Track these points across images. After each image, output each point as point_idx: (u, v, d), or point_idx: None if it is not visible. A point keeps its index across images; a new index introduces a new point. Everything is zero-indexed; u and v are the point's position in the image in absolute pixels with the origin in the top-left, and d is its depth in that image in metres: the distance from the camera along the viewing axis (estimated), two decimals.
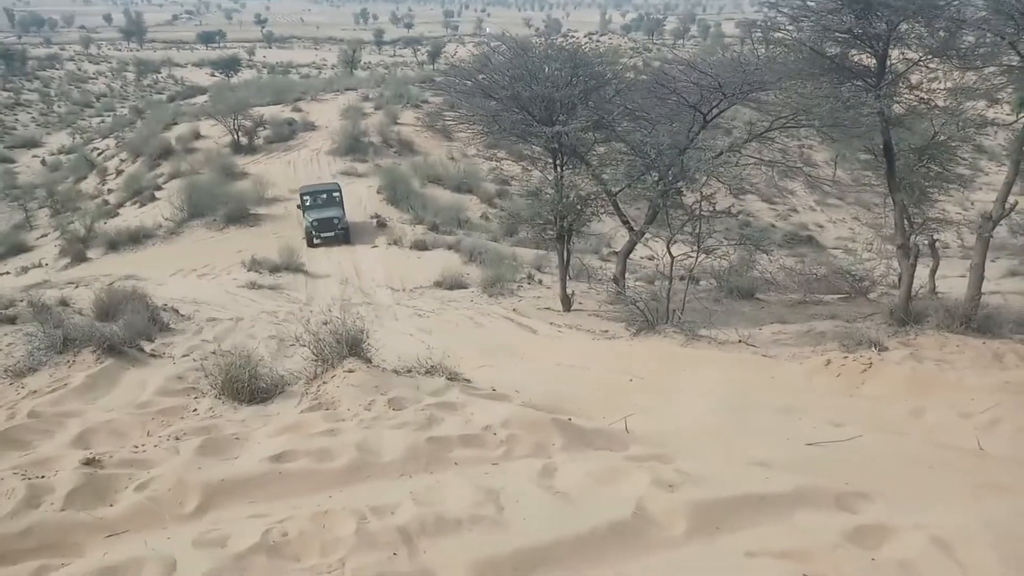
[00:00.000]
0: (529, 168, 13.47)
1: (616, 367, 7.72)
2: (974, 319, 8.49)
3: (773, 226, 25.33)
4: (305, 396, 5.58)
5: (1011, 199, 9.45)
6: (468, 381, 6.33)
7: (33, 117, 55.32)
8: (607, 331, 10.40)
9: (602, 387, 6.77)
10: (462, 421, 4.97)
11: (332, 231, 20.66)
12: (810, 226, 26.48)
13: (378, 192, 23.29)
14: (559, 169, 12.39)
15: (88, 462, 4.32)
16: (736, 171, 11.98)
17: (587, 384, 7.06)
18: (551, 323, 11.16)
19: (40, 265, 20.42)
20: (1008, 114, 10.57)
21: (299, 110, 33.55)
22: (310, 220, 20.94)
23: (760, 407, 6.20)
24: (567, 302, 12.33)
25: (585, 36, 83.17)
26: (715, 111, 12.17)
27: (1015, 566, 3.42)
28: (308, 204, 21.44)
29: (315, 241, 20.50)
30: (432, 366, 6.24)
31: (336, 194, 21.72)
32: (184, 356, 7.49)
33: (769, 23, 11.27)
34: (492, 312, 12.12)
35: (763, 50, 12.23)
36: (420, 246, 18.72)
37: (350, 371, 5.68)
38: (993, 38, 9.32)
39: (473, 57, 16.57)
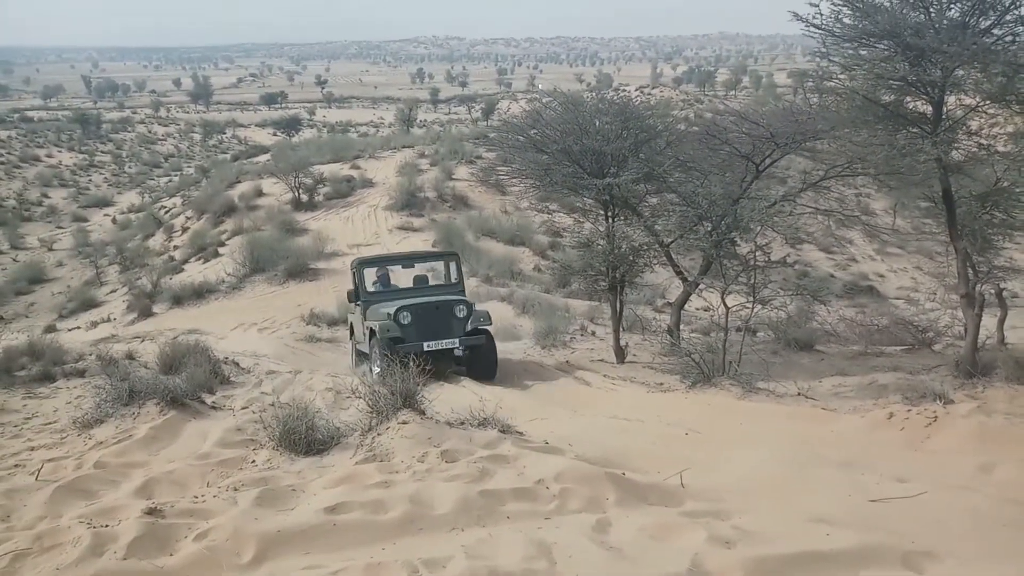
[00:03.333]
0: (581, 220, 13.54)
1: (671, 420, 7.62)
2: None
3: (832, 276, 24.85)
4: (360, 448, 5.64)
5: None
6: (521, 434, 6.32)
7: (105, 178, 57.91)
8: (662, 383, 10.28)
9: (657, 440, 6.68)
10: (514, 474, 4.96)
11: (450, 339, 10.61)
12: (870, 276, 25.90)
13: (433, 246, 23.62)
14: (611, 220, 12.45)
15: (150, 512, 4.44)
16: (791, 220, 11.86)
17: (642, 437, 6.97)
18: (605, 375, 11.09)
19: (108, 320, 21.15)
20: None
21: (357, 167, 34.43)
22: (382, 320, 10.69)
23: (820, 461, 6.03)
24: (621, 354, 12.25)
25: (636, 90, 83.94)
26: (768, 161, 12.14)
27: None
28: (377, 290, 11.83)
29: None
30: (485, 419, 6.26)
31: (452, 264, 12.59)
32: (243, 408, 7.66)
33: (821, 72, 11.25)
34: (545, 364, 12.12)
35: (815, 99, 12.20)
36: (474, 298, 18.83)
37: (404, 423, 5.73)
38: None
39: (525, 113, 16.87)
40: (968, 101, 10.43)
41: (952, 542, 4.21)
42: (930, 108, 10.22)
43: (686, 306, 13.34)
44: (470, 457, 5.19)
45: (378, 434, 5.71)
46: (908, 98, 10.53)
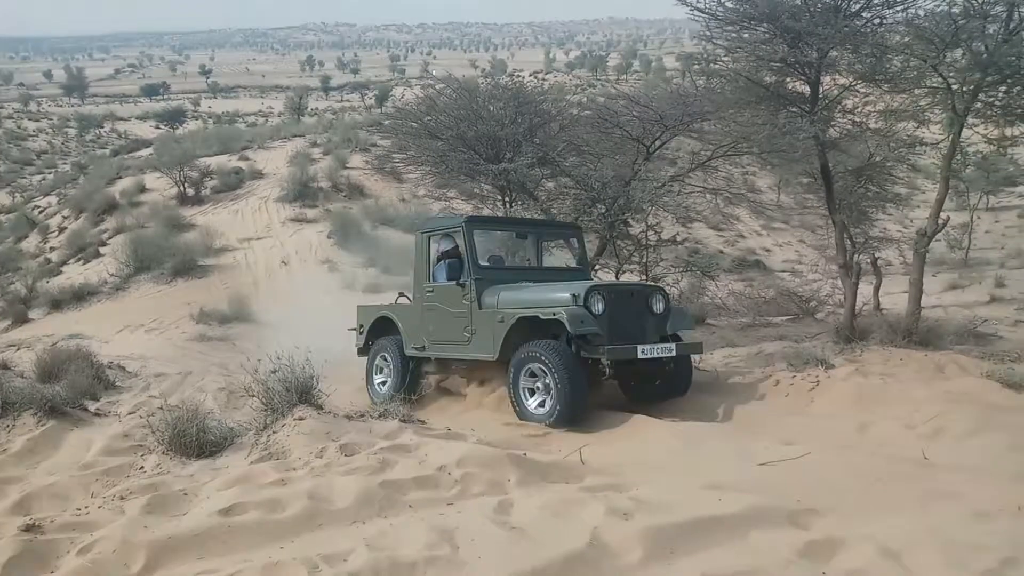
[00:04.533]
0: (479, 206, 13.53)
1: None
2: (916, 333, 8.72)
3: (721, 252, 25.79)
4: (255, 447, 5.47)
5: (943, 215, 9.78)
6: (423, 423, 6.28)
7: None
8: None
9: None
10: (416, 463, 4.92)
11: (666, 345, 7.16)
12: (757, 250, 27.02)
13: (328, 237, 23.12)
14: (508, 205, 12.48)
15: (28, 528, 4.17)
16: (681, 200, 12.19)
17: None
18: None
19: None
20: (936, 134, 10.98)
21: (246, 159, 33.29)
22: (552, 306, 6.89)
23: (711, 430, 6.26)
24: None
25: (531, 75, 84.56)
26: (658, 143, 12.41)
27: (959, 569, 3.49)
28: (490, 265, 7.91)
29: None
30: (385, 409, 6.19)
31: (575, 241, 9.18)
32: (130, 413, 7.30)
33: (707, 55, 11.58)
34: None
35: (702, 82, 12.55)
36: (373, 289, 18.58)
37: (300, 419, 5.60)
38: (917, 62, 9.71)
39: (419, 99, 16.68)
40: (842, 81, 10.95)
41: (834, 498, 4.45)
42: (808, 88, 10.67)
43: None
44: (370, 449, 5.11)
45: (274, 432, 5.55)
46: (788, 79, 10.97)
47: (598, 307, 6.84)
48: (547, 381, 6.55)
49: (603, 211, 11.09)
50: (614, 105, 13.55)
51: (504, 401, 7.11)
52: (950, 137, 9.81)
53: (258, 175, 30.82)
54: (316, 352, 6.46)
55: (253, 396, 6.13)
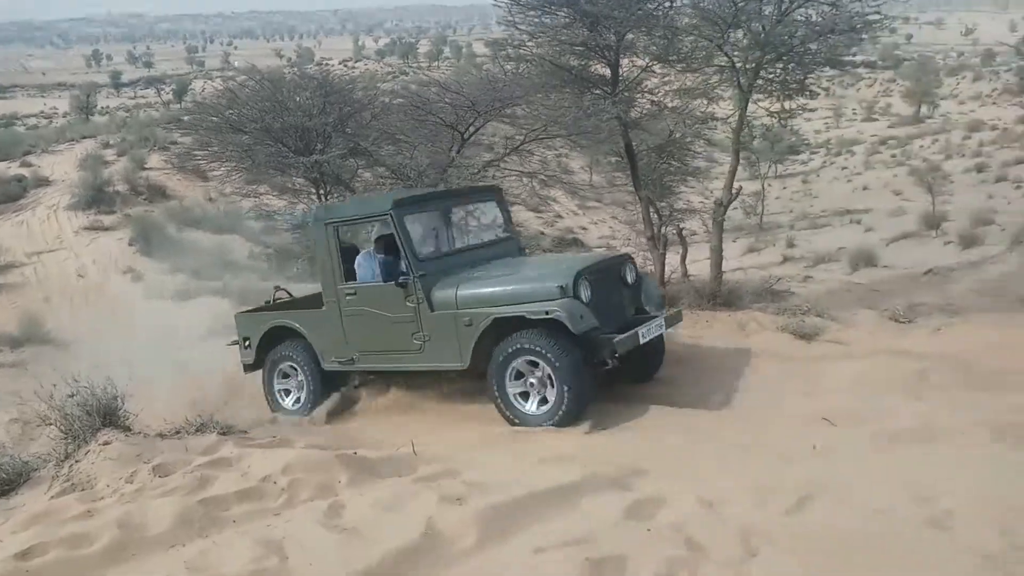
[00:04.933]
0: (293, 201, 13.05)
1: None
2: (720, 295, 9.38)
3: (542, 233, 26.51)
4: (56, 480, 4.98)
5: (736, 184, 10.54)
6: (244, 432, 5.98)
7: None
8: None
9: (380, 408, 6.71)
10: (238, 475, 4.67)
11: (656, 323, 6.40)
12: (575, 229, 28.02)
13: (130, 244, 21.48)
14: (323, 199, 12.12)
15: None
16: (498, 184, 12.33)
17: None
18: None
19: None
20: (726, 110, 11.80)
21: (29, 164, 30.20)
22: (541, 301, 5.89)
23: None
24: None
25: (340, 64, 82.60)
26: (472, 129, 12.48)
27: (764, 509, 3.79)
28: (434, 253, 6.87)
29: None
30: (203, 423, 5.84)
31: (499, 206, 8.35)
32: None
33: (511, 40, 11.77)
34: None
35: (511, 67, 12.75)
36: (183, 296, 17.50)
37: (106, 443, 5.15)
38: (705, 43, 10.37)
39: (219, 92, 15.79)
40: (640, 63, 11.50)
41: (657, 458, 4.68)
42: (609, 71, 11.12)
43: None
44: (187, 467, 4.80)
45: (76, 461, 5.08)
46: (590, 62, 11.37)
47: (587, 294, 5.96)
48: (542, 376, 5.75)
49: None
50: (426, 92, 13.48)
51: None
52: (738, 112, 10.56)
53: (44, 182, 28.05)
54: (140, 366, 5.99)
55: (50, 424, 5.58)
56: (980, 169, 32.31)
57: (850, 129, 55.60)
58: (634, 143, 11.51)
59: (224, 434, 5.57)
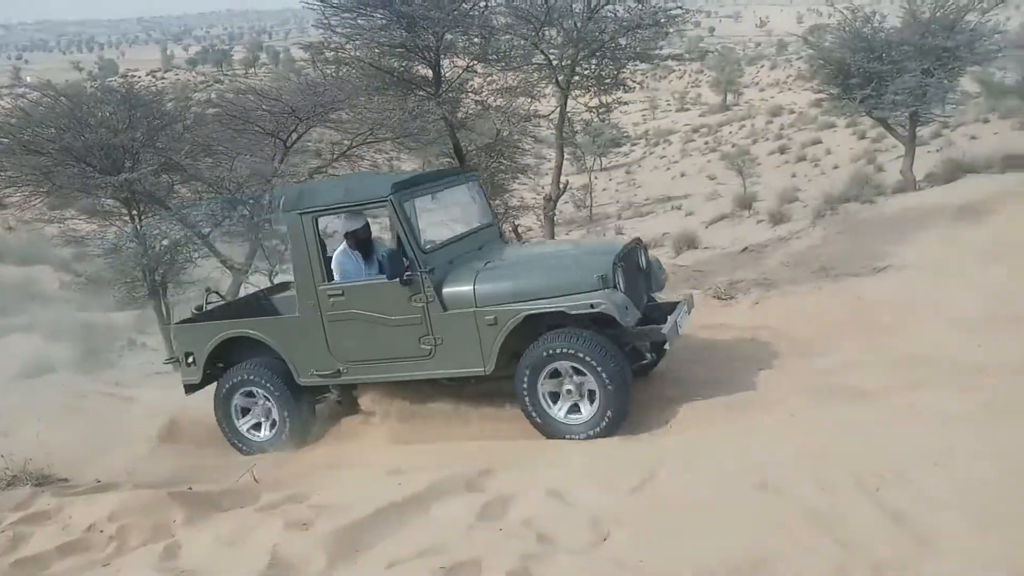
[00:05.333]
0: (104, 224, 12.12)
1: None
2: None
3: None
4: None
5: (564, 179, 10.83)
6: (65, 480, 5.47)
7: None
8: None
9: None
10: (58, 529, 4.28)
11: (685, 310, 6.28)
12: None
13: None
14: (138, 219, 11.33)
15: None
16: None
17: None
18: (164, 388, 10.18)
19: None
20: (548, 107, 12.09)
21: None
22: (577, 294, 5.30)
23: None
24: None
25: (148, 75, 77.79)
26: (295, 135, 12.10)
27: (611, 491, 3.90)
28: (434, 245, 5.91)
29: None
30: (14, 476, 5.29)
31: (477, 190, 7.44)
32: None
33: (327, 43, 11.49)
34: (90, 392, 10.69)
35: (331, 71, 12.44)
36: None
37: None
38: (521, 41, 10.57)
39: (9, 111, 14.38)
40: (461, 63, 11.55)
41: (503, 457, 4.72)
42: (431, 72, 11.09)
43: (241, 294, 12.83)
44: None
45: None
46: (412, 63, 11.30)
47: (623, 283, 5.47)
48: (580, 382, 5.19)
49: (245, 213, 10.56)
50: (243, 100, 12.92)
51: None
52: (558, 108, 10.85)
53: None
54: None
55: None
56: (783, 151, 35.07)
57: (665, 120, 58.82)
58: (463, 143, 11.56)
59: (40, 485, 5.07)
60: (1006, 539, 3.48)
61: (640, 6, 10.08)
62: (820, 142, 34.17)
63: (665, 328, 5.38)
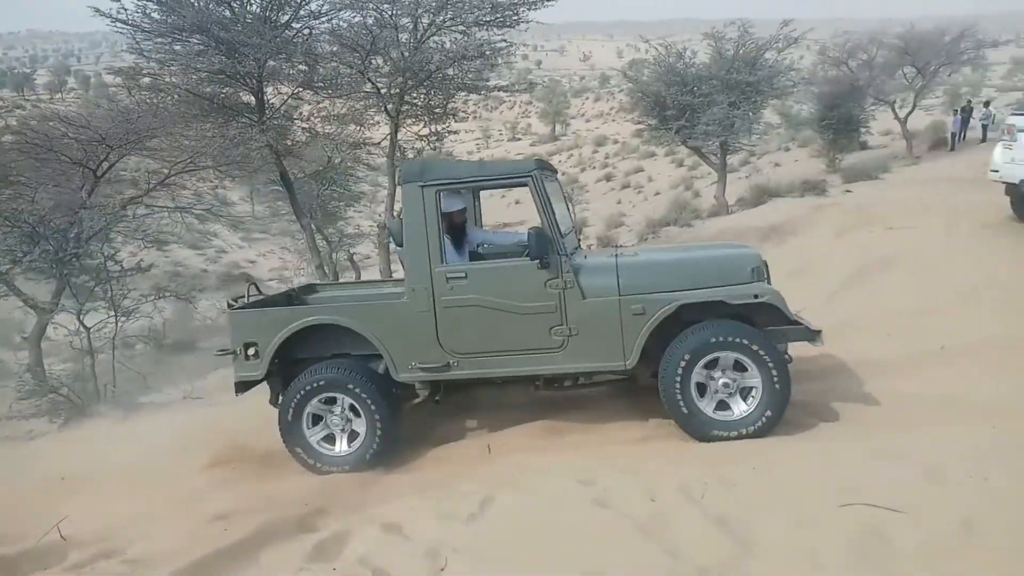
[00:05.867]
0: None
1: (47, 468, 6.63)
2: None
3: (205, 271, 24.91)
4: None
5: (397, 206, 10.76)
6: None
7: None
8: (31, 431, 8.92)
9: (23, 497, 5.72)
10: None
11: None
12: (242, 263, 26.75)
13: None
14: None
15: None
16: (140, 223, 11.33)
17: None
18: None
19: None
20: (380, 134, 12.03)
21: None
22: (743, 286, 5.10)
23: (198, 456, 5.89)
24: None
25: None
26: (105, 164, 11.31)
27: (449, 520, 3.87)
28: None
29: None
30: None
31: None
32: None
33: (140, 69, 10.88)
34: None
35: (146, 96, 11.77)
36: None
37: None
38: (347, 70, 10.46)
39: None
40: (286, 89, 11.27)
41: (336, 495, 4.58)
42: (254, 99, 10.74)
43: (49, 336, 11.76)
44: None
45: None
46: (233, 90, 10.88)
47: (769, 278, 5.30)
48: (736, 377, 4.87)
49: (49, 248, 9.72)
50: (47, 127, 11.95)
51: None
52: (389, 136, 10.83)
53: None
54: None
55: None
56: (609, 179, 36.78)
57: (499, 149, 60.19)
58: (291, 170, 11.26)
59: None
60: (818, 536, 3.77)
61: (466, 38, 10.28)
62: (643, 170, 36.15)
63: (813, 327, 5.06)
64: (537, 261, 4.91)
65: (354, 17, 10.27)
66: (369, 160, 13.56)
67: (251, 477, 5.25)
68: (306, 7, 10.56)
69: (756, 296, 4.85)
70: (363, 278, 14.10)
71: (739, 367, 4.82)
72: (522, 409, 5.80)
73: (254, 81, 10.47)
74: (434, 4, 10.04)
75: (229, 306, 5.64)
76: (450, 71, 10.21)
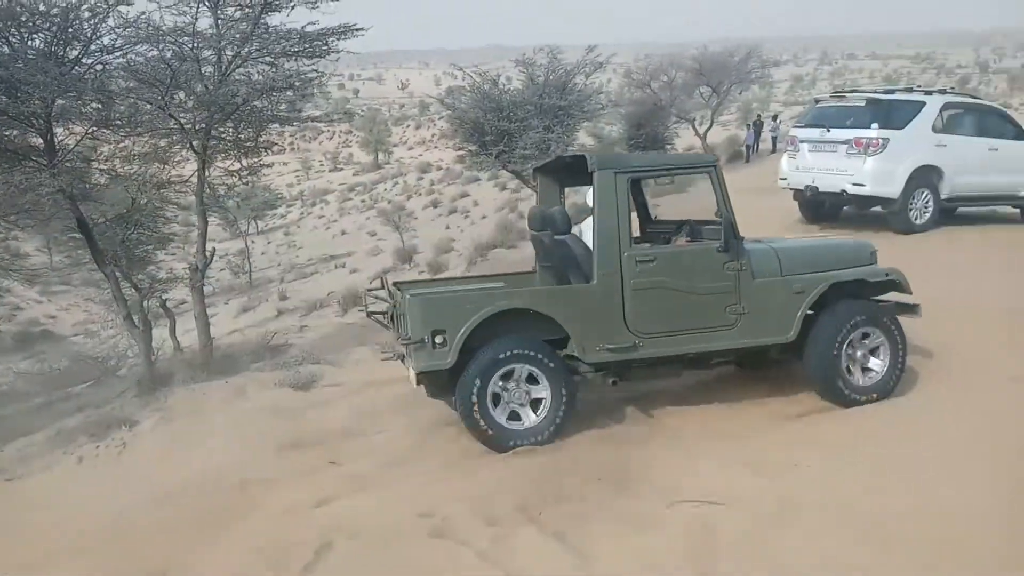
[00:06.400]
0: None
1: None
2: (212, 363, 8.97)
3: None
4: None
5: (210, 247, 10.24)
6: None
7: None
8: None
9: None
10: None
11: None
12: (41, 319, 24.51)
13: None
14: None
15: None
16: None
17: None
18: None
19: None
20: (188, 172, 11.37)
21: None
22: None
23: None
24: None
25: None
26: None
27: (279, 570, 3.68)
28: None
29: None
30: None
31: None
32: None
33: None
34: None
35: None
36: None
37: None
38: (148, 106, 9.83)
39: None
40: (79, 129, 10.42)
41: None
42: (42, 140, 9.86)
43: None
44: None
45: None
46: (19, 132, 9.94)
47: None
48: (870, 348, 5.69)
49: None
50: None
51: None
52: (196, 174, 10.28)
53: None
54: None
55: None
56: (436, 204, 36.97)
57: (321, 179, 59.00)
58: (91, 215, 10.42)
59: None
60: (651, 537, 3.91)
61: (274, 70, 9.98)
62: (468, 195, 36.67)
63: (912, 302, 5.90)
64: (721, 245, 5.39)
65: (150, 51, 9.69)
66: (179, 199, 12.78)
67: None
68: (97, 41, 9.85)
69: (887, 275, 5.75)
70: (176, 325, 13.25)
71: (865, 337, 5.61)
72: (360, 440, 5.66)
73: (41, 122, 9.62)
74: (238, 36, 9.67)
75: (390, 294, 5.80)
76: (259, 103, 9.85)
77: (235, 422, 6.67)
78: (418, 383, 5.38)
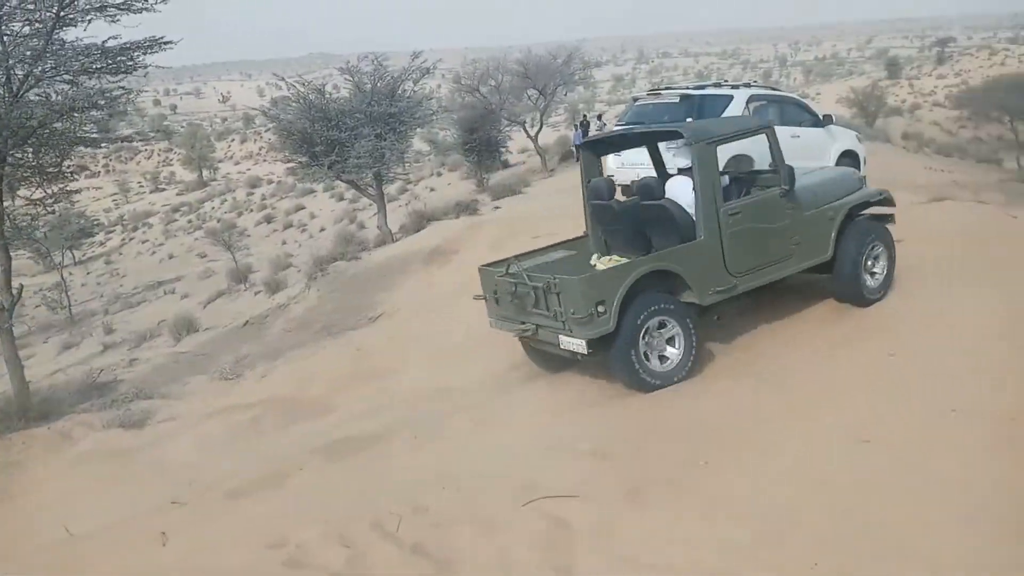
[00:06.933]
0: None
1: None
2: (31, 408, 8.20)
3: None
4: None
5: (16, 284, 9.34)
6: None
7: None
8: None
9: None
10: None
11: None
12: None
13: None
14: None
15: None
16: None
17: None
18: None
19: None
20: None
21: None
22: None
23: None
24: None
25: None
26: None
27: None
28: None
29: None
30: None
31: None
32: None
33: None
34: None
35: None
36: None
37: None
38: None
39: None
40: None
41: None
42: None
43: None
44: None
45: None
46: None
47: None
48: (878, 255, 6.92)
49: None
50: None
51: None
52: None
53: None
54: None
55: None
56: (269, 220, 35.63)
57: (141, 202, 55.23)
58: None
59: None
60: (507, 538, 3.94)
61: (74, 88, 9.25)
62: (304, 207, 35.63)
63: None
64: (782, 191, 6.41)
65: None
66: None
67: None
68: None
69: (881, 194, 7.08)
70: None
71: (875, 249, 6.81)
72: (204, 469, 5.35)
73: None
74: (28, 54, 8.85)
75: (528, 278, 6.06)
76: (59, 125, 9.06)
77: (58, 472, 6.13)
78: (588, 350, 5.81)
